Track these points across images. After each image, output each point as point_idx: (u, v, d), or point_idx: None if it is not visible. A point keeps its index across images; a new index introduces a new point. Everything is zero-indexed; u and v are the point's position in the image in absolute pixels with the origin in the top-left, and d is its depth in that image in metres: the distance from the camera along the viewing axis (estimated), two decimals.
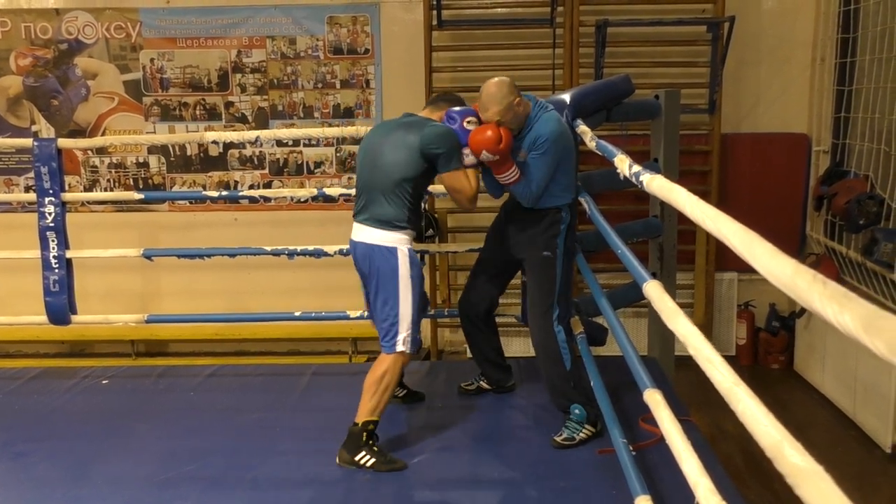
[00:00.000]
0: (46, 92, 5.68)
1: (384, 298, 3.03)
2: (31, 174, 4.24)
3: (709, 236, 5.14)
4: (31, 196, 4.19)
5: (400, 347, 3.03)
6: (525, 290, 3.58)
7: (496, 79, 3.07)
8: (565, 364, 3.24)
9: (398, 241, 3.01)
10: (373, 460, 2.98)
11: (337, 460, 3.01)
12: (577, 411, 3.20)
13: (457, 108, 3.08)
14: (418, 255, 3.19)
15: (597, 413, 3.13)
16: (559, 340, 3.24)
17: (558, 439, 3.17)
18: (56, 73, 5.65)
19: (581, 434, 3.17)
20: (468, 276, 3.65)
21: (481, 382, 3.73)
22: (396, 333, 3.03)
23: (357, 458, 2.98)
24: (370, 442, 3.00)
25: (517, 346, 5.30)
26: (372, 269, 3.04)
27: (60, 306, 4.11)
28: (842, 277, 4.64)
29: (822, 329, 4.79)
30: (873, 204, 4.22)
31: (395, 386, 3.10)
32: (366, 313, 3.42)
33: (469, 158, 3.05)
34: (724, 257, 5.28)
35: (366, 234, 3.04)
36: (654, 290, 2.07)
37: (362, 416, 3.02)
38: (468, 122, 3.03)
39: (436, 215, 5.22)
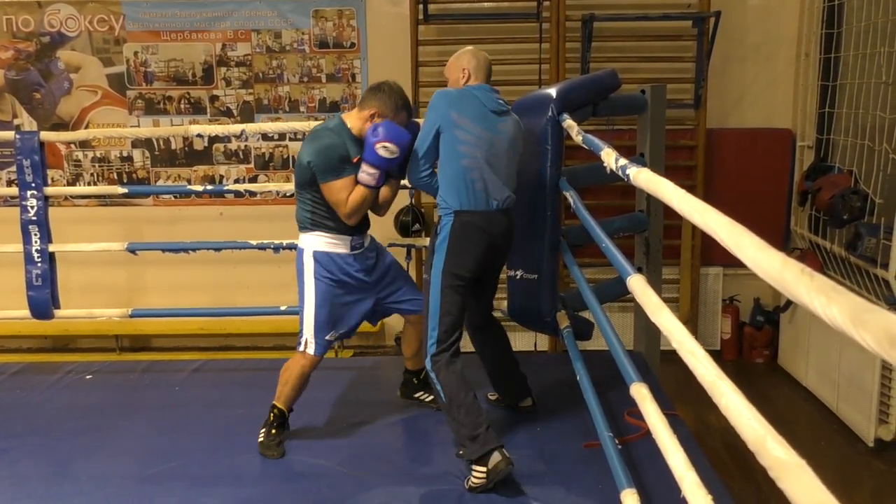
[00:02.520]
0: (28, 85, 5.62)
1: (299, 298, 3.18)
2: (13, 168, 4.19)
3: (694, 231, 5.17)
4: (13, 190, 4.15)
5: (300, 348, 3.16)
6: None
7: (475, 47, 3.13)
8: (441, 397, 2.90)
9: (306, 242, 3.11)
10: (261, 439, 3.15)
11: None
12: (460, 452, 2.92)
13: (382, 128, 2.93)
14: (352, 259, 3.12)
15: (479, 448, 2.75)
16: (428, 371, 2.93)
17: (466, 483, 2.81)
18: (38, 66, 5.60)
19: (471, 479, 2.77)
20: None
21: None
22: (301, 334, 3.16)
23: (259, 433, 3.17)
24: (273, 423, 3.17)
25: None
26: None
27: (43, 300, 4.09)
28: (825, 272, 4.67)
29: (806, 323, 4.82)
30: (857, 199, 4.25)
31: (297, 385, 3.18)
32: None
33: (364, 176, 2.97)
34: (710, 252, 5.30)
35: None
36: (637, 284, 2.07)
37: (274, 399, 3.22)
38: (383, 146, 2.91)
39: (422, 210, 5.21)
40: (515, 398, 3.44)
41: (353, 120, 3.07)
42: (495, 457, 2.72)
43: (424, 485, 2.88)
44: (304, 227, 3.11)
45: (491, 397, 3.56)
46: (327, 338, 3.16)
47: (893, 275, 3.91)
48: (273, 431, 3.16)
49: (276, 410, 3.19)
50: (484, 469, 2.73)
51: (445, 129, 2.90)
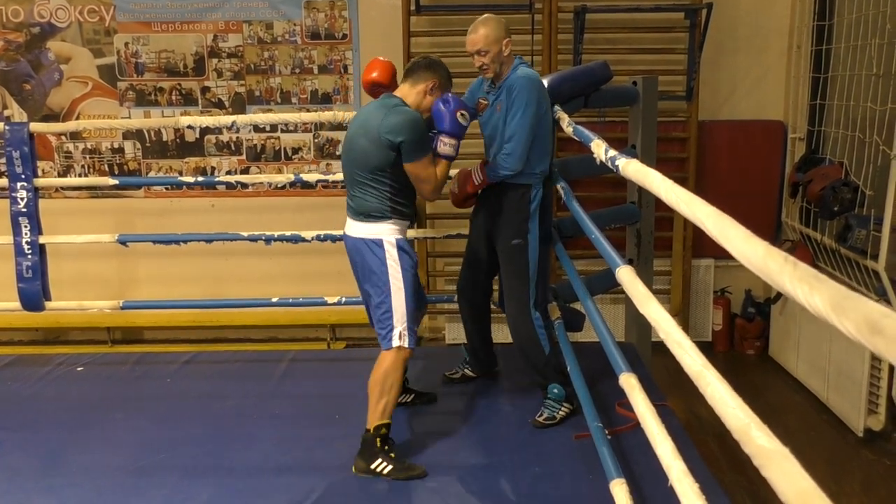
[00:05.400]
0: (18, 76, 5.59)
1: (376, 293, 2.94)
2: (3, 159, 4.18)
3: (686, 223, 5.18)
4: (3, 181, 4.13)
5: (395, 342, 2.92)
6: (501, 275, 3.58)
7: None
8: (544, 349, 3.28)
9: (383, 232, 2.91)
10: (389, 467, 2.85)
11: (353, 470, 2.89)
12: (555, 391, 3.27)
13: (451, 96, 2.98)
14: (412, 244, 3.12)
15: (572, 391, 3.20)
16: (536, 327, 3.27)
17: (540, 419, 3.23)
18: (28, 57, 5.56)
19: (560, 412, 3.25)
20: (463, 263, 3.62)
21: (465, 370, 3.71)
22: (392, 328, 2.93)
23: (373, 467, 2.86)
24: (385, 447, 2.88)
25: (498, 332, 5.28)
26: (361, 263, 2.96)
27: (34, 293, 4.07)
28: (816, 264, 4.68)
29: (797, 315, 4.84)
30: (847, 191, 4.26)
31: (401, 384, 2.98)
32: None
33: (447, 148, 2.97)
34: (701, 244, 5.31)
35: (354, 228, 2.97)
36: (626, 276, 2.08)
37: (372, 421, 2.90)
38: (461, 114, 2.95)
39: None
40: (490, 365, 3.75)
41: (412, 96, 2.98)
42: (575, 401, 3.22)
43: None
44: (380, 217, 2.91)
45: (454, 376, 3.73)
46: (416, 329, 3.02)
47: (883, 266, 3.93)
48: (392, 455, 2.88)
49: (382, 430, 2.89)
50: (571, 406, 3.25)
51: (547, 110, 3.19)
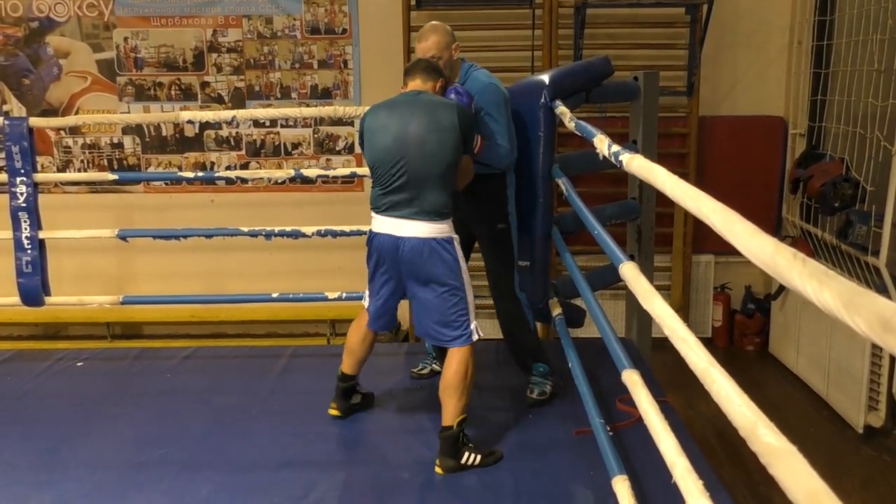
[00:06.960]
0: (17, 71, 5.57)
1: (449, 293, 2.85)
2: (2, 154, 4.16)
3: (686, 218, 5.18)
4: (2, 176, 4.11)
5: (475, 336, 2.90)
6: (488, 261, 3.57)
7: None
8: (529, 327, 3.46)
9: (449, 230, 2.85)
10: (478, 457, 2.85)
11: (439, 471, 2.82)
12: (541, 368, 3.41)
13: (461, 87, 3.07)
14: None
15: (552, 368, 3.43)
16: (524, 306, 3.42)
17: (533, 396, 3.37)
18: (27, 51, 5.55)
19: (548, 387, 3.40)
20: None
21: (434, 365, 3.68)
22: (468, 323, 2.89)
23: (464, 461, 2.83)
24: (465, 440, 2.87)
25: (489, 329, 5.27)
26: (426, 265, 2.82)
27: (33, 287, 4.06)
28: (817, 260, 4.67)
29: (797, 311, 4.84)
30: (848, 187, 4.26)
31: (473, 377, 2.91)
32: (366, 303, 3.14)
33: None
34: (701, 239, 5.31)
35: (415, 228, 2.81)
36: (629, 272, 2.07)
37: (454, 417, 2.84)
38: (474, 104, 3.04)
39: None
40: None
41: (434, 93, 2.97)
42: (555, 376, 3.42)
43: (418, 473, 2.87)
44: (448, 214, 2.85)
45: (422, 372, 3.70)
46: None
47: (884, 262, 3.93)
48: (471, 445, 2.87)
49: (463, 425, 2.85)
50: (554, 383, 3.41)
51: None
